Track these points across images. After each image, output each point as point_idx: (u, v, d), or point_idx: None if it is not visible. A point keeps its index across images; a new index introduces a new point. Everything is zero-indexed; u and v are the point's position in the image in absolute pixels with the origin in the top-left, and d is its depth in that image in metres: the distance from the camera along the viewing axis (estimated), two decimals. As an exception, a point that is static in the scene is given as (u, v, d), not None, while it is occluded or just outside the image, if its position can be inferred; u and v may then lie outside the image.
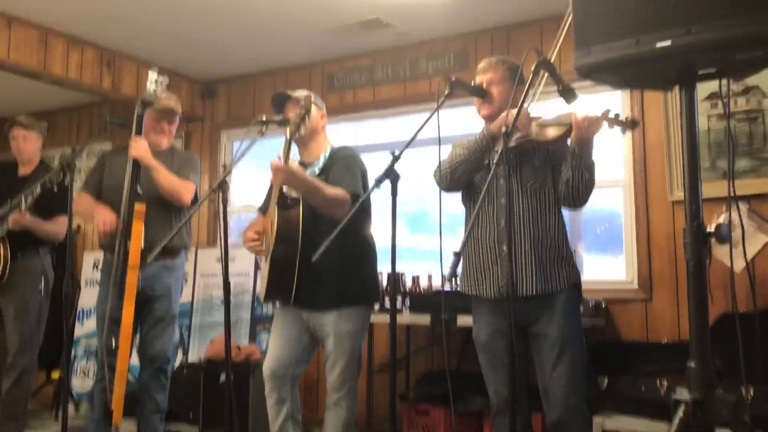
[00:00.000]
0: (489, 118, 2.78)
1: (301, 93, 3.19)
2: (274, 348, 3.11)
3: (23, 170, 4.33)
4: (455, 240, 2.69)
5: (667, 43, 1.71)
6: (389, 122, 5.40)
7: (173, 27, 4.84)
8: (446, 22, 4.69)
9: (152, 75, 3.45)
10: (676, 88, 1.92)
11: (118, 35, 5.03)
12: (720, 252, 3.64)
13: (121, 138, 6.15)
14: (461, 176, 2.76)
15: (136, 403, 3.66)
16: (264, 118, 3.02)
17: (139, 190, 3.38)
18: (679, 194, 4.03)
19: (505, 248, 2.65)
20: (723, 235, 1.70)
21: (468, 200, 2.90)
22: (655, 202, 4.19)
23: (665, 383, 3.69)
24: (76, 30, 4.94)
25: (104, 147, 6.57)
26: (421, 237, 5.24)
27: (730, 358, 3.44)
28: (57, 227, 4.17)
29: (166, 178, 3.50)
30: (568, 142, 2.63)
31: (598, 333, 4.13)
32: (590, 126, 2.51)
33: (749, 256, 3.22)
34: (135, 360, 3.79)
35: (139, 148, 3.43)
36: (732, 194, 2.11)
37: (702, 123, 3.97)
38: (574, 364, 2.63)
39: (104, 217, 3.44)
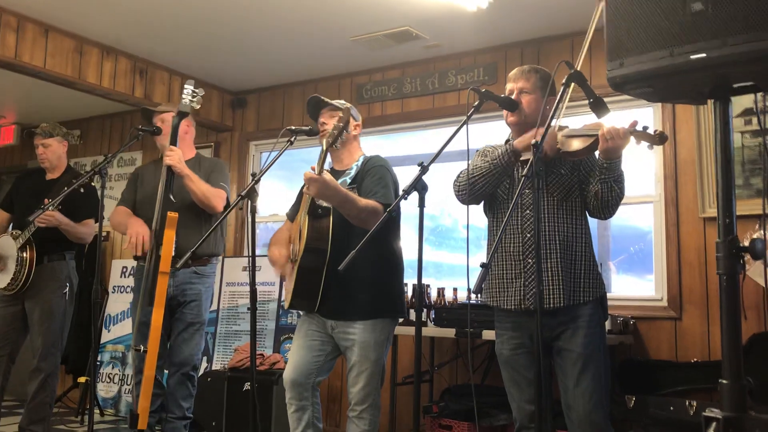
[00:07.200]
0: (515, 126, 2.75)
1: (339, 102, 3.20)
2: (295, 356, 3.09)
3: (50, 176, 4.39)
4: (479, 254, 2.66)
5: (702, 55, 1.68)
6: (417, 135, 5.40)
7: (205, 38, 4.90)
8: (476, 34, 4.68)
9: (189, 87, 3.50)
10: (709, 104, 1.88)
11: (151, 45, 5.11)
12: (753, 271, 3.58)
13: (152, 146, 6.25)
14: (480, 190, 2.72)
15: (163, 409, 3.69)
16: (293, 128, 3.04)
17: (172, 198, 3.43)
18: (711, 211, 3.96)
19: (530, 261, 2.62)
20: (758, 249, 1.66)
21: (490, 211, 2.86)
22: (687, 219, 4.12)
23: (694, 404, 3.62)
24: (111, 39, 5.03)
25: (135, 155, 6.67)
26: (444, 253, 5.22)
27: (762, 381, 3.37)
28: (85, 229, 4.22)
29: (199, 186, 3.60)
30: (596, 153, 2.59)
31: (625, 351, 4.07)
32: (616, 139, 2.45)
33: (783, 276, 3.15)
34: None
35: (174, 156, 3.50)
36: (766, 211, 2.06)
37: (735, 140, 3.90)
38: (597, 379, 2.58)
39: (136, 230, 3.51)
